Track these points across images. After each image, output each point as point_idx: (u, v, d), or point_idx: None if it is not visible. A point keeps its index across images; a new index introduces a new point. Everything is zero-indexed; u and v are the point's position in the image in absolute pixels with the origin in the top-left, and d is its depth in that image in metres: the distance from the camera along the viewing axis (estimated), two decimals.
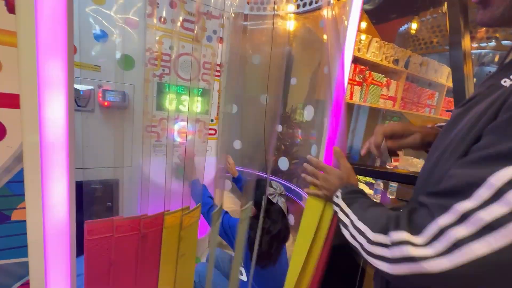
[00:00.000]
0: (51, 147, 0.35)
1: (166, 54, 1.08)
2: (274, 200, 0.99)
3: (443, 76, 2.42)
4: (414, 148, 0.57)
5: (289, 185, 1.29)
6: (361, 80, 1.95)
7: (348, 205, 0.52)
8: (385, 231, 0.38)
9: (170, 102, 1.06)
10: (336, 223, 0.66)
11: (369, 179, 1.87)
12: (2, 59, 0.33)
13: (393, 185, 1.67)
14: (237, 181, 1.34)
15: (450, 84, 2.46)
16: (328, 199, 0.65)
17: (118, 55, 1.02)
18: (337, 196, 0.57)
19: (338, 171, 0.64)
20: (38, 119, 0.33)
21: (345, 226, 0.49)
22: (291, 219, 1.26)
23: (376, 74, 1.98)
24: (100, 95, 0.99)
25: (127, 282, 0.44)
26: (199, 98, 1.23)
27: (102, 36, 0.98)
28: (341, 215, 0.53)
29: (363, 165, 1.92)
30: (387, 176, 1.33)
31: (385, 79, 2.05)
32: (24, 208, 0.36)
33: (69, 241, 0.38)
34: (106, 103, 0.99)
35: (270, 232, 0.96)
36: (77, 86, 0.95)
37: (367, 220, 0.44)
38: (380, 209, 0.45)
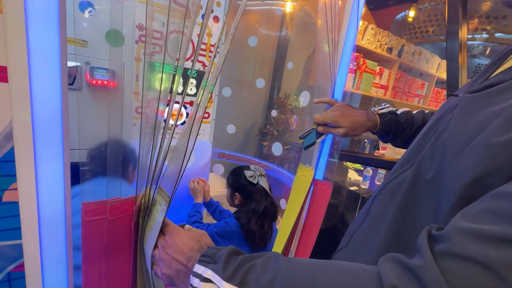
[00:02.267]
0: (44, 125, 0.32)
1: (157, 31, 1.02)
2: (255, 181, 0.99)
3: (434, 66, 2.46)
4: (343, 136, 0.65)
5: (282, 170, 1.30)
6: (354, 68, 1.94)
7: (242, 283, 0.29)
8: None
9: (161, 83, 1.01)
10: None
11: (358, 166, 1.92)
12: None
13: (381, 172, 1.72)
14: (209, 206, 1.24)
15: (440, 75, 2.51)
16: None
17: (106, 30, 0.96)
18: (197, 274, 0.33)
19: (182, 235, 0.39)
20: (29, 94, 0.31)
21: None
22: (283, 204, 1.28)
23: (370, 62, 1.98)
24: (88, 72, 0.94)
25: (122, 265, 0.44)
26: (193, 80, 1.19)
27: (88, 6, 0.91)
28: None
29: (353, 151, 1.96)
30: (375, 162, 1.37)
31: (378, 67, 2.06)
32: (16, 189, 0.34)
33: (65, 223, 0.36)
34: (94, 82, 0.94)
35: (256, 211, 0.97)
36: None
37: None
38: (327, 265, 0.28)
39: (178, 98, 1.16)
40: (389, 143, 0.68)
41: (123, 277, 0.45)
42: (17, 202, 0.34)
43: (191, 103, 1.24)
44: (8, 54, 0.30)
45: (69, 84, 0.94)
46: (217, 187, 1.53)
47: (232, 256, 0.32)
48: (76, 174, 0.39)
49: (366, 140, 2.14)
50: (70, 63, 0.92)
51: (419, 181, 0.37)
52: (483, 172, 0.26)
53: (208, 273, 0.32)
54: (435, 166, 0.34)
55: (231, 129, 1.38)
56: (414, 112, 0.66)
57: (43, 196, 0.35)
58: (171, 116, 1.23)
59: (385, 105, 0.68)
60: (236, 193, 1.03)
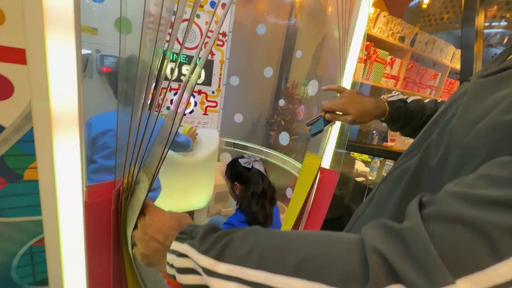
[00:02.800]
0: (61, 108, 0.34)
1: (165, 18, 1.01)
2: (250, 166, 1.02)
3: (448, 56, 2.38)
4: (351, 124, 0.64)
5: (288, 159, 1.31)
6: (365, 57, 1.90)
7: (219, 255, 0.28)
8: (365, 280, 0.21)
9: (170, 71, 1.02)
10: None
11: (366, 158, 1.90)
12: (5, 9, 0.31)
13: (389, 163, 1.70)
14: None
15: (454, 65, 2.43)
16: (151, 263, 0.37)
17: (115, 18, 0.96)
18: (174, 250, 0.32)
19: (163, 215, 0.39)
20: (47, 77, 0.32)
21: None
22: (289, 193, 1.29)
23: (381, 51, 1.93)
24: (99, 60, 0.95)
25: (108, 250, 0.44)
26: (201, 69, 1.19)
27: None
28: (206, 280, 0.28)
29: (361, 142, 1.94)
30: (383, 153, 1.36)
31: (390, 57, 2.01)
32: (36, 168, 0.36)
33: (82, 201, 0.38)
34: (104, 69, 0.96)
35: (255, 193, 1.00)
36: None
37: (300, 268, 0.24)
38: (302, 236, 0.27)
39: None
40: (398, 134, 0.68)
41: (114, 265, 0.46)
42: (37, 181, 0.36)
43: (199, 92, 1.25)
44: (26, 37, 0.31)
45: None
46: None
47: (210, 231, 0.31)
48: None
49: (374, 132, 2.11)
50: (83, 51, 0.93)
51: (424, 168, 0.37)
52: (490, 152, 0.25)
53: (184, 247, 0.31)
54: (440, 153, 0.34)
55: (238, 118, 1.39)
56: (426, 101, 0.65)
57: (61, 175, 0.37)
58: (179, 104, 1.24)
59: (395, 93, 0.67)
60: (235, 183, 1.05)
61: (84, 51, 0.93)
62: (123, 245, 0.45)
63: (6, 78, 0.31)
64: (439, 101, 0.64)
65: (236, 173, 1.04)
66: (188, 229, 0.34)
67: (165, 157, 0.39)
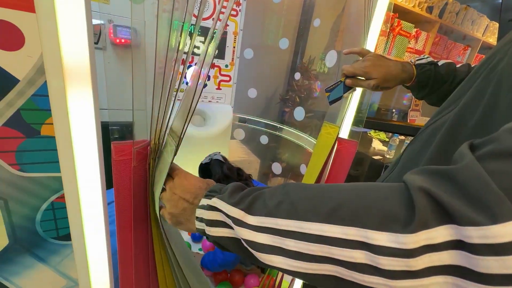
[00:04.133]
0: (73, 59, 0.33)
1: None
2: (208, 160, 0.97)
3: (480, 29, 2.17)
4: (373, 89, 0.60)
5: (302, 135, 1.28)
6: (387, 30, 1.77)
7: (249, 208, 0.27)
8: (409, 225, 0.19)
9: (182, 43, 0.99)
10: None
11: (383, 136, 1.83)
12: None
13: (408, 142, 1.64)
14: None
15: (486, 39, 2.23)
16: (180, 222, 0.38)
17: None
18: (202, 205, 0.33)
19: (190, 177, 0.40)
20: (56, 24, 0.31)
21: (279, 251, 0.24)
22: (303, 169, 1.28)
23: (405, 23, 1.79)
24: (112, 31, 0.94)
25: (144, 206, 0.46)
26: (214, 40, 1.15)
27: None
28: (244, 233, 0.27)
29: (381, 119, 1.87)
30: (403, 129, 1.30)
31: (415, 29, 1.86)
32: (52, 124, 0.36)
33: (98, 158, 0.38)
34: (117, 40, 0.94)
35: (219, 180, 0.92)
36: None
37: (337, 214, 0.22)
38: (342, 186, 0.24)
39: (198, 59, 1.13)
40: (419, 114, 0.62)
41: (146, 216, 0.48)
42: (54, 137, 0.36)
43: (212, 65, 1.22)
44: None
45: (94, 43, 0.95)
46: (238, 153, 1.55)
47: (240, 188, 0.31)
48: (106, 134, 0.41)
49: (394, 110, 2.01)
50: (94, 21, 0.92)
51: (463, 121, 0.33)
52: None
53: (213, 201, 0.31)
54: (485, 100, 0.30)
55: (252, 93, 1.36)
56: (458, 65, 0.59)
57: (76, 131, 0.36)
58: (192, 77, 1.22)
59: (424, 55, 0.61)
60: (210, 179, 0.99)
61: (96, 21, 0.92)
62: (150, 206, 0.47)
63: (15, 26, 0.30)
64: (473, 66, 0.59)
65: (201, 172, 0.99)
66: (217, 188, 0.34)
67: (189, 121, 0.39)
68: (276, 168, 1.43)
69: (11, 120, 0.34)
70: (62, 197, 0.40)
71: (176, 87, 0.43)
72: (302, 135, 1.27)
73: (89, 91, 0.35)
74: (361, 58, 0.62)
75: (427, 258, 0.18)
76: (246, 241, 0.27)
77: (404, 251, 0.18)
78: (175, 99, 0.42)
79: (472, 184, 0.18)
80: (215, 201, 0.31)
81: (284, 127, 1.36)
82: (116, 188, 0.42)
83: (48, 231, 0.42)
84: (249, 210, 0.27)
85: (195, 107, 0.38)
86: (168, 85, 0.44)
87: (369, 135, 1.90)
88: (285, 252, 0.24)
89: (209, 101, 1.27)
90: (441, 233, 0.18)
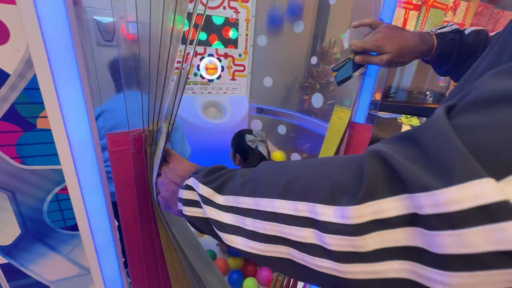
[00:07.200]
0: (56, 47, 0.33)
1: None
2: (253, 146, 1.02)
3: None
4: (387, 65, 0.52)
5: (321, 123, 1.21)
6: (419, 3, 1.59)
7: (219, 188, 0.27)
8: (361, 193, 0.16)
9: (194, 34, 0.98)
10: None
11: (416, 122, 1.68)
12: None
13: None
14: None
15: None
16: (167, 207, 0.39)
17: None
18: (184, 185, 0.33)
19: (184, 162, 0.40)
20: (36, 14, 0.30)
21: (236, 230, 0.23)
22: None
23: None
24: (124, 27, 0.95)
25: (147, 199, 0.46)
26: (226, 30, 1.12)
27: None
28: (213, 214, 0.26)
29: (412, 102, 1.71)
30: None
31: (452, 0, 1.65)
32: (47, 117, 0.36)
33: (94, 147, 0.38)
34: (130, 36, 0.96)
35: None
36: (98, 17, 0.91)
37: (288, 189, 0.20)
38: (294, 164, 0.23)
39: (210, 51, 1.12)
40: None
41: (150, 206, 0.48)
42: (50, 130, 0.37)
43: (225, 55, 1.19)
44: None
45: (109, 41, 0.98)
46: None
47: (217, 169, 0.30)
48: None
49: (428, 93, 1.83)
50: (108, 19, 0.94)
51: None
52: None
53: (190, 179, 0.31)
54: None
55: (268, 82, 1.31)
56: (492, 34, 0.49)
57: (70, 122, 0.37)
58: (208, 70, 1.21)
59: (449, 23, 0.51)
60: (237, 154, 1.07)
61: (109, 19, 0.94)
62: (151, 193, 0.47)
63: None
64: None
65: (240, 147, 1.05)
66: (200, 169, 0.34)
67: (178, 105, 0.39)
68: (296, 158, 1.39)
69: (7, 115, 0.35)
70: (65, 188, 0.41)
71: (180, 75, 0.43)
72: (321, 123, 1.20)
73: (77, 82, 0.35)
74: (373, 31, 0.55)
75: (378, 237, 0.14)
76: (211, 220, 0.26)
77: (349, 227, 0.15)
78: (178, 89, 0.42)
79: (433, 144, 0.14)
80: (191, 180, 0.31)
81: (303, 116, 1.30)
82: (116, 178, 0.42)
83: (56, 222, 0.43)
84: (219, 190, 0.27)
85: (183, 87, 0.37)
86: (164, 71, 0.43)
87: (400, 121, 1.75)
88: (244, 232, 0.22)
89: (224, 92, 1.26)
90: (393, 205, 0.14)
